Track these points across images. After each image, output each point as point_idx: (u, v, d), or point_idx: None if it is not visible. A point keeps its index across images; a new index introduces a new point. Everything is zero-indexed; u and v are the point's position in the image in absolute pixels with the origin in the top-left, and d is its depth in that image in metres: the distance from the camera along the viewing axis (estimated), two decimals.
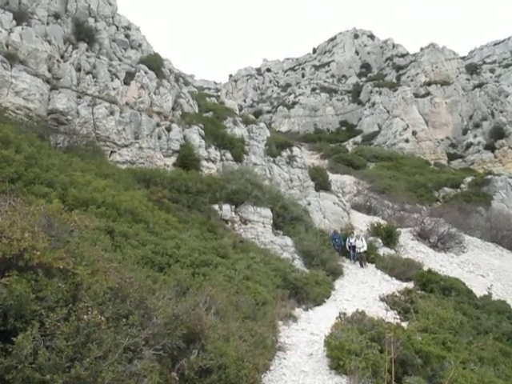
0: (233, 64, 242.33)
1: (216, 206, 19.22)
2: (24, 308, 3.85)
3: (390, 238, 24.98)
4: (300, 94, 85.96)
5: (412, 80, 77.57)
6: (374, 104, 76.73)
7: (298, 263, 17.93)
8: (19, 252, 4.17)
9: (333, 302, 14.68)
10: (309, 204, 27.44)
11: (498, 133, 61.92)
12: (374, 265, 20.94)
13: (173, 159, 22.14)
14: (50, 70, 18.95)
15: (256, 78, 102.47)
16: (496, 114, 64.76)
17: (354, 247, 21.67)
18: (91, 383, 3.68)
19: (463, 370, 8.31)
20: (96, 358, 3.82)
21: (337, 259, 20.35)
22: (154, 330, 4.85)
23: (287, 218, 22.09)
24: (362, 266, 20.94)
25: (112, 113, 19.89)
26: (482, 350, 10.47)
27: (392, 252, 23.38)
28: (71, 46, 20.68)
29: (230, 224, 19.27)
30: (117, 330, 4.33)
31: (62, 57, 20.02)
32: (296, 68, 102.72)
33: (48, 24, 19.78)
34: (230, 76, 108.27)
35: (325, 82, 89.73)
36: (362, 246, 21.44)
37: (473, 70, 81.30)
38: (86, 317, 4.05)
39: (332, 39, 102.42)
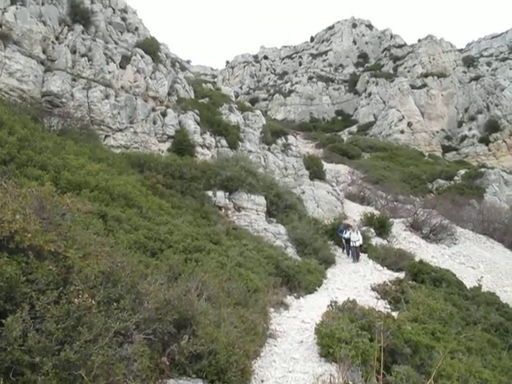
0: (230, 50, 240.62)
1: (210, 193, 19.19)
2: (14, 290, 3.82)
3: (382, 228, 25.09)
4: (297, 83, 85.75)
5: (409, 71, 77.51)
6: (370, 94, 76.71)
7: (291, 251, 17.98)
8: (10, 234, 4.13)
9: (324, 291, 14.75)
10: (303, 193, 27.48)
11: (492, 126, 62.16)
12: (366, 254, 21.02)
13: (167, 144, 22.03)
14: (44, 52, 18.71)
15: (253, 65, 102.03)
16: (491, 107, 64.90)
17: (348, 240, 20.74)
18: (81, 366, 3.67)
19: (451, 359, 8.40)
20: (86, 342, 3.81)
21: (329, 248, 20.42)
22: (145, 314, 4.85)
23: (281, 206, 22.12)
24: (355, 259, 20.14)
25: (107, 96, 19.71)
26: (470, 340, 10.59)
27: (384, 242, 23.48)
28: (66, 27, 20.39)
29: (223, 211, 19.27)
30: (107, 314, 4.32)
31: (57, 38, 19.75)
32: (293, 56, 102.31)
33: (43, 4, 19.46)
34: (227, 62, 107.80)
35: (322, 70, 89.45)
36: (357, 239, 20.42)
37: (470, 62, 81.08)
38: (76, 300, 4.03)
39: (330, 28, 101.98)
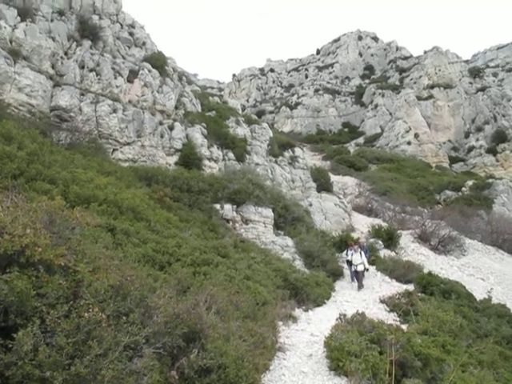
0: (236, 64, 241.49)
1: (217, 206, 19.23)
2: (25, 304, 3.84)
3: (390, 240, 24.94)
4: (303, 95, 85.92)
5: (415, 83, 77.44)
6: (376, 106, 76.65)
7: (299, 264, 17.92)
8: (21, 248, 4.16)
9: (333, 303, 14.67)
10: (310, 205, 27.44)
11: (500, 137, 61.79)
12: (374, 267, 20.86)
13: (175, 158, 22.15)
14: (53, 67, 18.95)
15: (259, 78, 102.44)
16: (498, 117, 64.62)
17: (350, 262, 18.13)
18: (91, 381, 3.67)
19: (462, 373, 8.30)
20: (96, 356, 3.81)
21: (337, 261, 20.27)
22: (154, 328, 4.84)
23: (288, 219, 22.10)
24: (359, 288, 17.21)
25: (115, 110, 19.89)
26: (481, 353, 10.46)
27: (393, 254, 23.33)
28: (75, 43, 20.68)
29: (231, 224, 19.27)
30: (117, 328, 4.33)
31: (66, 54, 20.02)
32: (299, 69, 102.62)
33: (52, 21, 19.77)
34: (234, 76, 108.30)
35: (328, 83, 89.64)
36: (359, 262, 17.36)
37: (476, 73, 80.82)
38: (86, 314, 4.05)
39: (336, 40, 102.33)
